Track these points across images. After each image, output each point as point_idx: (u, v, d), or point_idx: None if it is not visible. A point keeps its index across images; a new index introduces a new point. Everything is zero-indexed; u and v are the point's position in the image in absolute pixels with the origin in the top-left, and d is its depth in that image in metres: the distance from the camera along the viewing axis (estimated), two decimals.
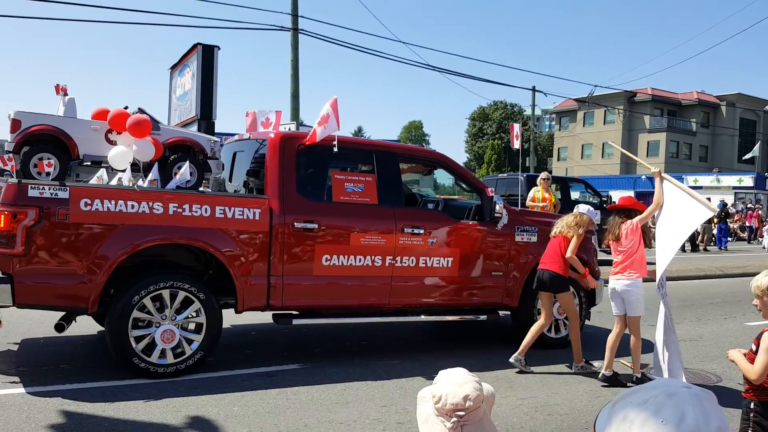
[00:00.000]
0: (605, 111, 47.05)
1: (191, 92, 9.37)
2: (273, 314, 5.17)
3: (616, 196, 19.73)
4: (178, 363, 4.53)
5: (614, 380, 4.90)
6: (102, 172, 5.30)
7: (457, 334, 6.64)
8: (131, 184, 4.81)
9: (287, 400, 4.25)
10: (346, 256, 5.03)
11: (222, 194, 5.27)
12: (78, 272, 4.29)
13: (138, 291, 4.42)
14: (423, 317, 5.62)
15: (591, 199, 17.24)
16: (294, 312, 5.17)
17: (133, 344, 4.41)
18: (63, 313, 4.84)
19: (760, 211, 25.22)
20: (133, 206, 4.40)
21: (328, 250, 4.97)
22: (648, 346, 5.84)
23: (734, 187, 32.05)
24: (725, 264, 13.92)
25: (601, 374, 4.96)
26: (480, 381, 1.50)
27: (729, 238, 21.19)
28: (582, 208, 5.38)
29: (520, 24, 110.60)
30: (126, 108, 5.23)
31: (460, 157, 63.85)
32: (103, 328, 5.62)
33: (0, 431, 3.52)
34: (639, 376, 4.90)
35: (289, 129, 5.74)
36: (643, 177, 33.71)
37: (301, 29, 15.24)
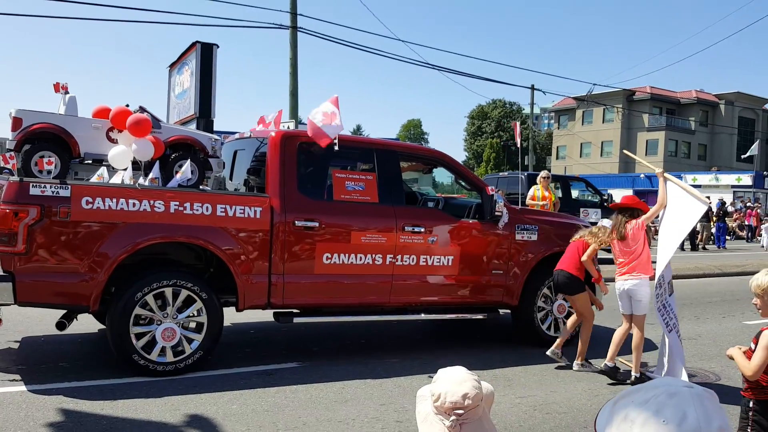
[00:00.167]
0: (604, 109, 47.05)
1: (190, 90, 9.35)
2: (274, 313, 5.17)
3: (616, 194, 19.76)
4: (177, 362, 4.53)
5: (613, 373, 4.94)
6: (103, 171, 5.30)
7: (456, 333, 6.65)
8: (132, 183, 4.80)
9: (286, 398, 4.25)
10: (347, 255, 5.04)
11: (223, 192, 5.27)
12: (79, 270, 4.29)
13: (141, 288, 4.43)
14: (423, 316, 5.62)
15: (592, 197, 17.25)
16: (295, 310, 5.17)
17: (134, 341, 4.41)
18: (64, 312, 4.84)
19: (758, 210, 25.25)
20: (134, 204, 4.40)
21: (329, 249, 4.98)
22: (649, 345, 5.86)
23: (733, 186, 32.11)
24: (724, 263, 13.93)
25: (603, 364, 4.99)
26: (479, 379, 1.50)
27: (728, 237, 21.21)
28: (606, 222, 5.43)
29: (520, 23, 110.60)
30: (127, 106, 5.22)
31: (459, 155, 63.80)
32: (103, 327, 5.62)
33: None
34: (638, 375, 4.90)
35: (288, 127, 5.73)
36: (642, 176, 33.73)
37: (300, 27, 15.24)
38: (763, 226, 21.80)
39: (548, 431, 3.89)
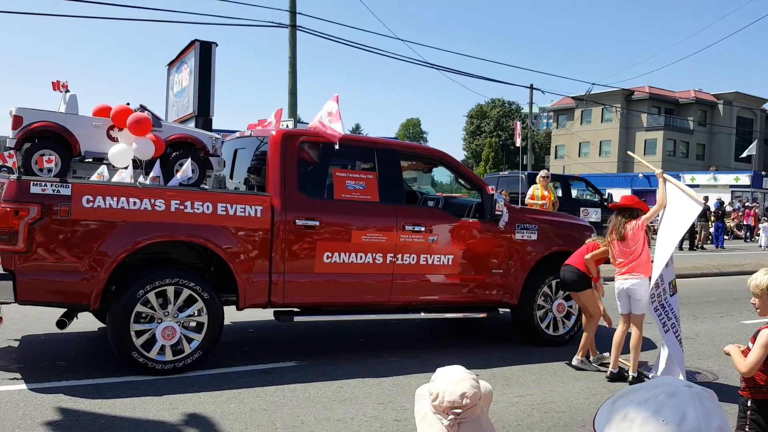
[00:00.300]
0: (603, 109, 47.08)
1: (188, 89, 9.31)
2: (274, 311, 5.17)
3: (615, 194, 19.77)
4: (176, 361, 4.53)
5: (621, 377, 4.95)
6: (103, 169, 5.29)
7: (455, 332, 6.65)
8: (133, 181, 4.80)
9: (284, 397, 4.25)
10: (348, 254, 5.04)
11: (224, 191, 5.27)
12: (80, 269, 4.29)
13: (143, 285, 4.43)
14: (423, 315, 5.63)
15: (592, 197, 17.25)
16: (295, 309, 5.17)
17: (134, 338, 4.41)
18: (64, 310, 4.83)
19: (756, 210, 25.28)
20: (135, 203, 4.40)
21: (330, 248, 4.98)
22: (648, 345, 5.87)
23: (731, 186, 32.14)
24: (722, 262, 13.95)
25: (609, 372, 4.99)
26: (477, 378, 1.50)
27: (726, 237, 21.24)
28: None
29: (519, 22, 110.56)
30: (128, 104, 5.21)
31: (458, 154, 63.82)
32: (103, 325, 5.62)
33: None
34: (635, 375, 4.91)
35: (287, 126, 5.72)
36: (641, 175, 33.75)
37: (299, 26, 15.22)
38: (761, 226, 21.84)
39: (546, 430, 3.90)
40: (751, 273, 3.02)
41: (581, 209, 13.52)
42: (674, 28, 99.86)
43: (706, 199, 20.98)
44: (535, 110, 43.52)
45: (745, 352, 2.73)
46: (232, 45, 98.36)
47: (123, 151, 4.96)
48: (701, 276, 12.20)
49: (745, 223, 24.35)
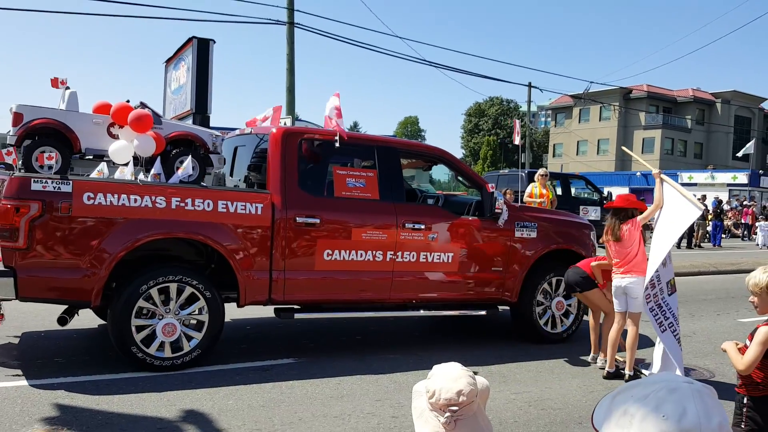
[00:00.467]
0: (601, 107, 47.12)
1: (186, 86, 9.27)
2: (275, 309, 5.18)
3: (614, 192, 19.77)
4: (175, 358, 4.54)
5: (618, 375, 4.97)
6: (102, 166, 5.29)
7: (452, 329, 6.66)
8: (134, 179, 4.79)
9: (282, 394, 4.25)
10: (348, 251, 5.05)
11: (224, 189, 5.27)
12: (81, 265, 4.29)
13: (147, 281, 4.44)
14: (423, 312, 5.65)
15: (591, 195, 17.26)
16: (296, 306, 5.18)
17: (134, 333, 4.41)
18: (65, 307, 4.83)
19: (753, 208, 25.34)
20: (135, 200, 4.40)
21: (330, 245, 4.99)
22: (645, 342, 5.88)
23: (729, 184, 32.23)
24: (719, 261, 13.99)
25: (606, 371, 5.00)
26: (474, 375, 1.50)
27: (723, 235, 21.29)
28: None
29: (517, 20, 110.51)
30: (128, 101, 5.20)
31: (456, 152, 63.81)
32: (103, 322, 5.61)
33: None
34: (631, 373, 4.91)
35: (285, 123, 5.71)
36: (638, 174, 33.80)
37: (297, 23, 15.18)
38: (758, 225, 21.89)
39: (543, 427, 3.91)
40: (748, 271, 3.03)
41: (581, 207, 13.54)
42: (673, 26, 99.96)
43: (704, 197, 21.06)
44: (534, 108, 43.50)
45: (743, 350, 2.74)
46: (231, 42, 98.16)
47: (124, 147, 4.95)
48: (698, 274, 12.23)
49: (743, 221, 24.39)
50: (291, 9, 15.01)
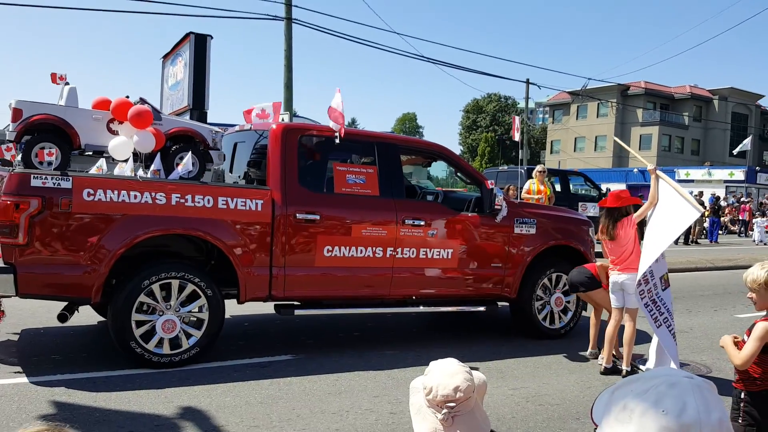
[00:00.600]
0: (598, 104, 47.14)
1: (183, 82, 9.24)
2: (275, 305, 5.18)
3: (613, 188, 19.75)
4: (173, 354, 4.53)
5: (615, 371, 4.98)
6: (102, 162, 5.27)
7: (450, 325, 6.67)
8: (133, 175, 4.78)
9: (279, 390, 4.25)
10: (348, 247, 5.06)
11: (224, 185, 5.27)
12: (81, 262, 4.28)
13: (149, 276, 4.43)
14: (422, 308, 5.67)
15: (590, 192, 17.27)
16: (296, 303, 5.17)
17: (134, 328, 4.41)
18: (65, 303, 4.81)
19: (750, 205, 25.41)
20: (135, 196, 4.39)
21: (330, 241, 4.99)
22: (643, 337, 5.89)
23: (725, 181, 32.28)
24: (716, 257, 14.03)
25: (603, 367, 5.01)
26: (471, 371, 1.50)
27: (720, 232, 21.35)
28: None
29: (515, 16, 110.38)
30: (127, 97, 5.18)
31: (454, 149, 63.65)
32: (102, 319, 5.60)
33: None
34: (628, 369, 4.92)
35: (283, 119, 5.70)
36: (636, 170, 33.84)
37: (295, 19, 15.11)
38: (755, 221, 21.95)
39: (541, 422, 3.91)
40: (744, 267, 3.03)
41: (579, 204, 13.54)
42: (670, 23, 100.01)
43: (701, 194, 21.10)
44: (531, 105, 43.43)
45: (740, 344, 2.74)
46: (228, 38, 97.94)
47: (124, 143, 4.94)
48: (695, 270, 12.26)
49: (740, 218, 24.45)
50: (289, 5, 14.95)
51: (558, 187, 15.38)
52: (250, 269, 4.76)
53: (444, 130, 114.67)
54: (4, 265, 4.19)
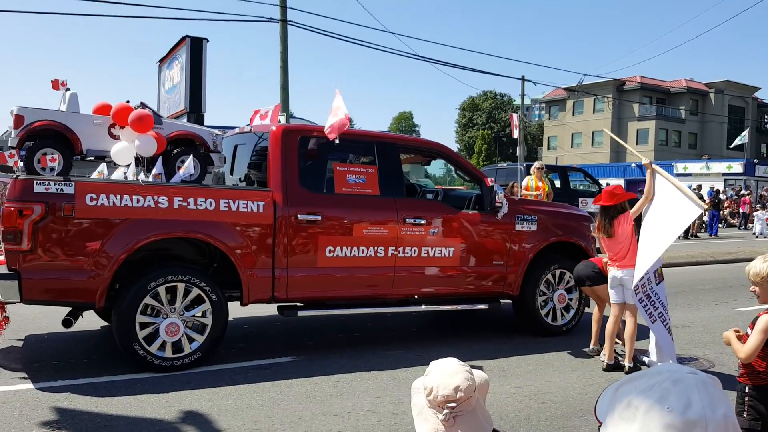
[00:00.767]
0: (594, 100, 47.17)
1: (180, 85, 9.23)
2: (278, 307, 5.19)
3: (612, 183, 19.74)
4: (174, 358, 4.53)
5: (618, 367, 4.98)
6: (103, 167, 5.26)
7: (451, 325, 6.66)
8: (135, 179, 4.77)
9: (281, 393, 4.24)
10: (350, 247, 5.06)
11: (226, 187, 5.27)
12: (85, 267, 4.29)
13: (156, 278, 4.44)
14: (424, 307, 5.67)
15: (590, 187, 17.28)
16: (298, 304, 5.18)
17: (138, 329, 4.41)
18: (67, 309, 4.81)
19: (750, 197, 25.45)
20: (138, 200, 4.40)
21: (332, 242, 5.00)
22: (644, 333, 5.88)
23: (724, 174, 32.33)
24: (716, 250, 14.04)
25: (605, 364, 5.00)
26: (471, 370, 1.49)
27: (719, 225, 21.37)
28: None
29: (510, 14, 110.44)
30: (128, 102, 5.18)
31: (451, 147, 63.71)
32: (106, 324, 5.59)
33: None
34: (631, 365, 4.91)
35: (280, 121, 5.69)
36: (633, 165, 33.86)
37: (290, 21, 15.10)
38: (755, 214, 21.97)
39: (544, 420, 3.91)
40: (745, 261, 3.03)
41: (580, 200, 13.55)
42: (665, 17, 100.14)
43: (699, 187, 21.12)
44: (527, 102, 43.42)
45: (743, 338, 2.73)
46: (224, 41, 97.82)
47: (125, 148, 4.95)
48: (696, 264, 12.26)
49: (741, 211, 24.47)
50: (284, 7, 14.94)
51: (558, 183, 15.39)
52: (252, 271, 4.77)
53: (440, 128, 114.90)
54: (8, 272, 4.20)
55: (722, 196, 24.41)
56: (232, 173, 5.88)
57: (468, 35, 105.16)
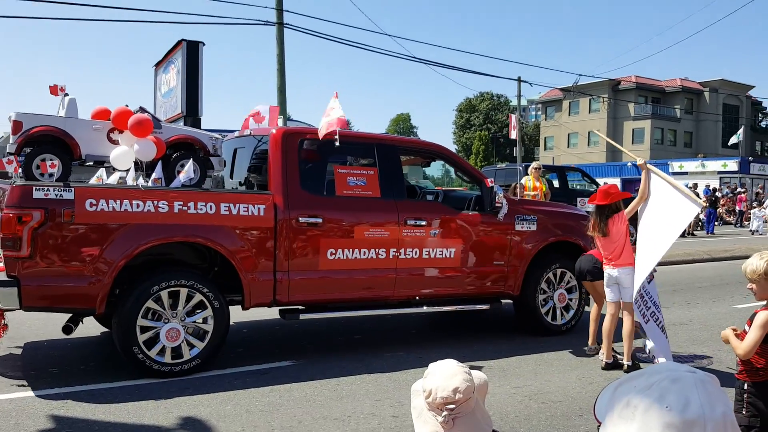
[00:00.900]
0: (590, 100, 47.32)
1: (176, 89, 9.21)
2: (280, 310, 5.18)
3: (609, 183, 19.80)
4: (173, 364, 4.50)
5: (616, 365, 4.99)
6: (101, 172, 5.24)
7: (450, 326, 6.66)
8: (135, 184, 4.76)
9: (280, 397, 4.22)
10: (351, 250, 5.05)
11: (226, 191, 5.25)
12: (85, 273, 4.27)
13: (159, 282, 4.42)
14: (425, 308, 5.67)
15: (588, 187, 17.33)
16: (301, 307, 5.16)
17: (138, 333, 4.39)
18: (69, 316, 4.80)
19: (745, 195, 25.53)
20: (138, 205, 4.38)
21: (333, 244, 4.99)
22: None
23: (719, 172, 32.42)
24: (713, 248, 14.08)
25: (604, 363, 5.00)
26: (470, 371, 1.48)
27: (716, 223, 21.43)
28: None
29: (506, 15, 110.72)
30: (127, 106, 5.17)
31: (449, 148, 63.86)
32: (105, 329, 5.56)
33: None
34: (630, 364, 4.91)
35: (277, 124, 5.69)
36: (629, 164, 33.91)
37: (287, 24, 15.11)
38: (752, 211, 22.03)
39: (544, 420, 3.90)
40: (741, 258, 3.04)
41: (578, 199, 13.59)
42: (660, 17, 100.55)
43: (695, 186, 21.16)
44: (524, 102, 43.61)
45: (741, 336, 2.74)
46: (221, 44, 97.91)
47: (125, 153, 4.94)
48: (692, 262, 12.29)
49: (737, 208, 24.55)
50: (280, 9, 14.94)
51: (556, 183, 15.43)
52: (254, 275, 4.75)
53: (438, 130, 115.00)
54: (7, 278, 4.17)
55: (718, 194, 24.49)
56: (231, 177, 5.87)
57: (464, 37, 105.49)
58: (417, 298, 5.56)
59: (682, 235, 18.38)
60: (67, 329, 4.70)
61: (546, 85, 45.18)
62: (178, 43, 8.85)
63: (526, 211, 5.92)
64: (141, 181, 4.97)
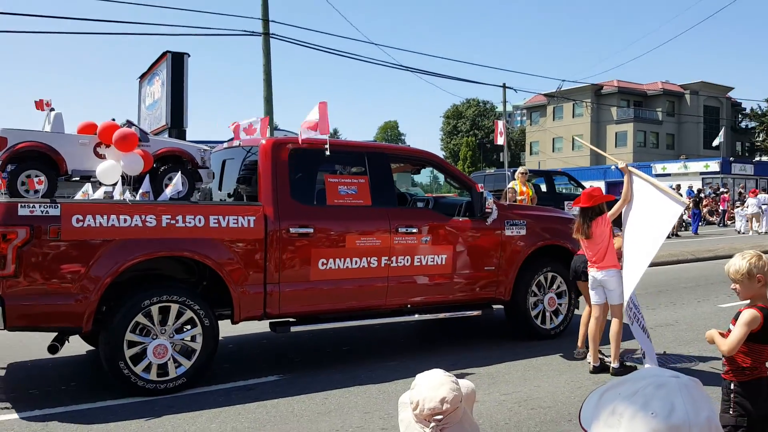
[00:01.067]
0: (573, 105, 47.90)
1: (161, 101, 9.13)
2: (270, 323, 5.12)
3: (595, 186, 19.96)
4: (158, 382, 4.41)
5: (604, 368, 5.01)
6: (87, 187, 5.16)
7: (439, 334, 6.64)
8: (123, 198, 4.69)
9: (267, 413, 4.15)
10: (342, 259, 5.03)
11: (215, 203, 5.20)
12: (72, 290, 4.18)
13: (150, 296, 4.35)
14: (417, 316, 5.64)
15: (574, 191, 17.47)
16: (291, 319, 5.10)
17: (125, 348, 4.30)
18: (54, 335, 4.69)
19: (728, 195, 25.92)
20: (125, 220, 4.32)
21: (324, 254, 4.96)
22: (629, 334, 5.91)
23: (701, 173, 32.89)
24: (697, 248, 14.24)
25: (592, 366, 5.01)
26: (457, 380, 1.47)
27: (699, 223, 21.71)
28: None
29: (489, 22, 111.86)
30: (113, 120, 5.10)
31: (436, 154, 64.13)
32: (91, 348, 5.44)
33: None
34: (617, 366, 4.93)
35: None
36: (613, 167, 34.16)
37: (273, 34, 15.10)
38: (735, 211, 22.34)
39: (534, 426, 3.89)
40: (725, 257, 3.06)
41: (565, 203, 13.69)
42: (640, 21, 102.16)
43: (678, 187, 21.45)
44: (509, 108, 43.98)
45: (726, 335, 2.75)
46: (206, 55, 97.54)
47: (111, 167, 4.87)
48: (677, 263, 12.40)
49: (721, 208, 24.90)
50: (266, 20, 14.94)
51: (543, 187, 15.53)
52: (244, 288, 4.69)
53: (426, 137, 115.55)
54: None
55: (702, 195, 24.84)
56: (220, 188, 5.81)
57: (449, 44, 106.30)
58: (408, 306, 5.54)
59: (667, 236, 18.53)
60: (52, 348, 4.60)
61: (530, 91, 45.72)
62: (163, 54, 8.79)
63: (515, 216, 5.95)
64: (128, 196, 4.91)
